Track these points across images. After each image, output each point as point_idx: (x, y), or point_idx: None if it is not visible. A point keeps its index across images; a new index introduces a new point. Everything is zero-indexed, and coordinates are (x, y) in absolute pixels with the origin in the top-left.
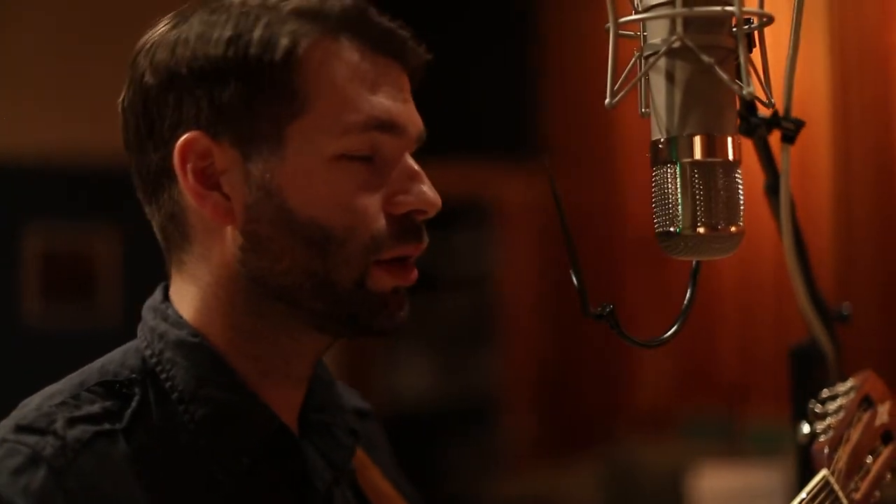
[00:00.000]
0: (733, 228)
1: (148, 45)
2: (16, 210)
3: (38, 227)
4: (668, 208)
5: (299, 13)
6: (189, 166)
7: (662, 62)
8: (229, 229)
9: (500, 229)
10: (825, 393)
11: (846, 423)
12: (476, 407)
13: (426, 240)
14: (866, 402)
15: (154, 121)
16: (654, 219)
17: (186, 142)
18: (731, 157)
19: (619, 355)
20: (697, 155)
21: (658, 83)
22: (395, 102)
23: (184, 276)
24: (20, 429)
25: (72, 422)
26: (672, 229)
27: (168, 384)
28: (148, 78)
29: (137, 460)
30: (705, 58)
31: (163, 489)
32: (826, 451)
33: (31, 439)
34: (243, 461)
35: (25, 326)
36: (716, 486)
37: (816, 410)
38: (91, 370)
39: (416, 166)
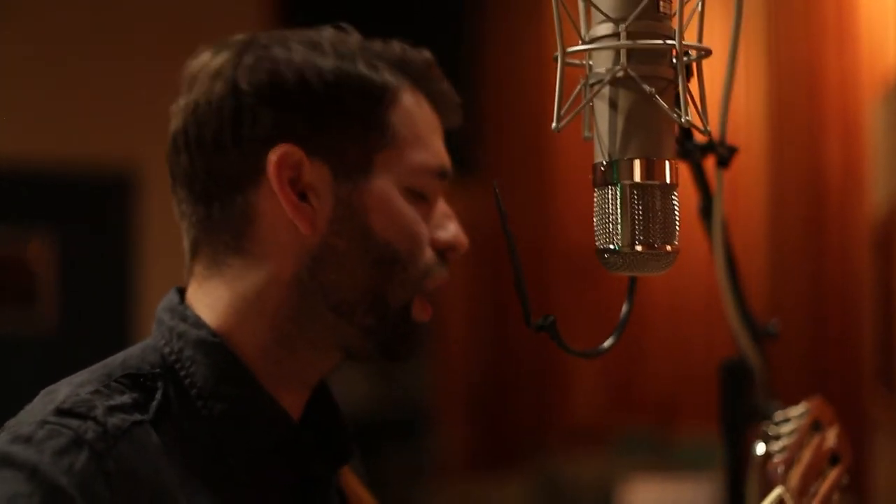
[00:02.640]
0: (669, 247)
1: (234, 61)
2: None
3: None
4: (609, 227)
5: (386, 60)
6: (283, 175)
7: (606, 90)
8: (304, 240)
9: None
10: (779, 416)
11: (799, 445)
12: (409, 418)
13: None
14: (816, 426)
15: (244, 128)
16: (595, 236)
17: (283, 153)
18: (668, 180)
19: (553, 369)
20: (637, 177)
21: (602, 110)
22: (446, 153)
23: (224, 278)
24: (61, 412)
25: (110, 410)
26: (612, 247)
27: (187, 381)
28: (244, 87)
29: (166, 450)
30: (647, 87)
31: (186, 479)
32: (780, 469)
33: (74, 423)
34: (256, 456)
35: None
36: (646, 500)
37: (770, 432)
38: (113, 364)
39: (448, 208)
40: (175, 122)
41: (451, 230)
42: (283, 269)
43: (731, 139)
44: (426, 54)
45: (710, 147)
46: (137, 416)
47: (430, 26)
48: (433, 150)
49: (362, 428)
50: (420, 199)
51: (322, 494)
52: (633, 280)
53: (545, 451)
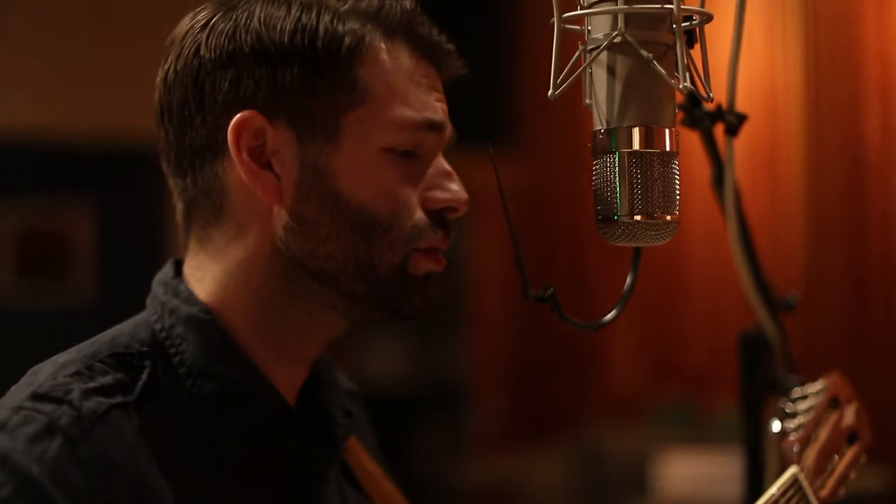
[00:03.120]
0: (669, 217)
1: (200, 24)
2: None
3: (13, 205)
4: (608, 196)
5: (359, 13)
6: (243, 143)
7: (604, 56)
8: (275, 209)
9: (473, 216)
10: (796, 392)
11: (815, 423)
12: (447, 392)
13: (451, 237)
14: (834, 404)
15: (205, 95)
16: (594, 206)
17: (242, 119)
18: (668, 148)
19: (590, 342)
20: (636, 145)
21: (600, 76)
22: (440, 105)
23: (208, 252)
24: (37, 397)
25: (87, 393)
26: (611, 216)
27: (177, 359)
28: (204, 52)
29: (147, 432)
30: (644, 53)
31: (171, 461)
32: (796, 448)
33: (48, 408)
34: (247, 437)
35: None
36: (680, 472)
37: (787, 409)
38: (102, 341)
39: (448, 166)
40: (155, 95)
41: (448, 189)
42: (263, 241)
43: (767, 106)
44: (407, 2)
45: (718, 115)
46: (118, 399)
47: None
48: (415, 104)
49: (400, 402)
50: (408, 157)
51: (318, 477)
52: (637, 252)
53: (582, 424)
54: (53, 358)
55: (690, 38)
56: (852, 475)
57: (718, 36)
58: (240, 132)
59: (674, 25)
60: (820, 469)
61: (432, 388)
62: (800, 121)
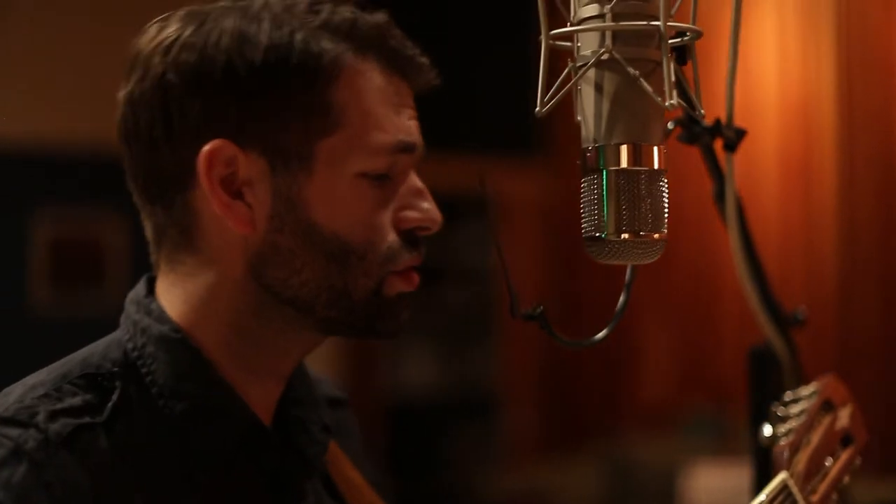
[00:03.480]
0: (657, 235)
1: (167, 43)
2: (24, 197)
3: (47, 214)
4: (595, 214)
5: (332, 28)
6: (214, 174)
7: (592, 73)
8: (248, 238)
9: (505, 224)
10: (788, 396)
11: (807, 427)
12: (478, 400)
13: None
14: (827, 406)
15: (174, 121)
16: (582, 223)
17: (213, 149)
18: (656, 165)
19: (622, 352)
20: (623, 163)
21: (588, 93)
22: (413, 124)
23: (178, 274)
24: (3, 421)
25: (53, 415)
26: (598, 234)
27: (149, 378)
28: (171, 76)
29: (117, 454)
30: (631, 70)
31: (141, 482)
32: (786, 453)
33: (14, 432)
34: (219, 456)
35: (34, 313)
36: (709, 484)
37: (779, 413)
38: (73, 361)
39: (420, 184)
40: (118, 111)
41: (420, 209)
42: (233, 268)
43: (801, 116)
44: (380, 16)
45: (716, 130)
46: (86, 420)
47: (497, 7)
48: (388, 127)
49: (432, 411)
50: (380, 179)
51: (294, 494)
52: (630, 275)
53: (613, 435)
54: (25, 379)
55: (682, 54)
56: (846, 479)
57: (749, 44)
58: (211, 163)
59: (666, 41)
60: (811, 473)
61: (464, 397)
62: (833, 131)
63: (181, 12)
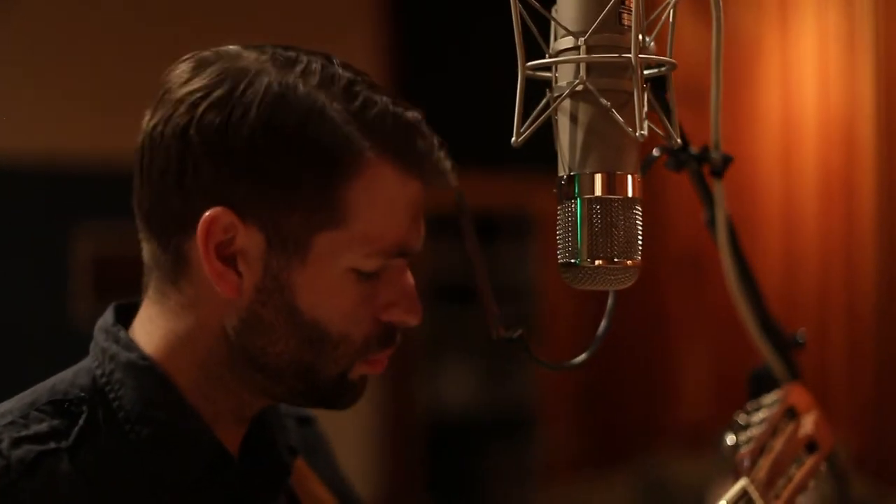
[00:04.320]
0: (629, 262)
1: (199, 96)
2: (66, 213)
3: (88, 230)
4: (570, 241)
5: (364, 120)
6: (211, 240)
7: (567, 104)
8: (233, 303)
9: (543, 240)
10: (751, 405)
11: (768, 434)
12: (516, 418)
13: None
14: (791, 414)
15: (186, 176)
16: (557, 250)
17: (214, 217)
18: (630, 194)
19: (660, 370)
20: (598, 191)
21: (563, 123)
22: (416, 227)
23: (162, 308)
24: None
25: (17, 442)
26: (572, 261)
27: (116, 403)
28: (193, 133)
29: (82, 478)
30: (603, 101)
31: None
32: (746, 461)
33: None
34: (184, 481)
35: (75, 329)
36: None
37: (740, 422)
38: (42, 389)
39: (411, 280)
40: (139, 137)
41: (405, 307)
42: (214, 320)
43: (839, 130)
44: (413, 113)
45: (703, 157)
46: (51, 445)
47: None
48: (391, 233)
49: (469, 429)
50: (370, 277)
51: None
52: (612, 301)
53: (649, 453)
54: None
55: (660, 85)
56: (810, 484)
57: (789, 61)
58: (210, 229)
59: (640, 72)
60: (773, 480)
61: (501, 415)
62: (873, 146)
63: (221, 55)
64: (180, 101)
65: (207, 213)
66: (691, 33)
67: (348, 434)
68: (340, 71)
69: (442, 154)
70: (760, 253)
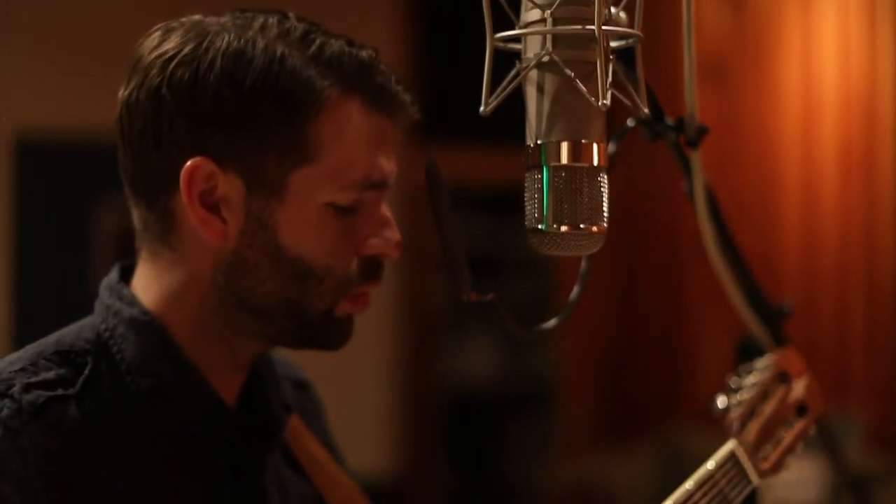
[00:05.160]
0: (595, 228)
1: (166, 57)
2: (88, 186)
3: (111, 204)
4: (536, 207)
5: (322, 61)
6: (194, 189)
7: (535, 74)
8: (218, 248)
9: None
10: (743, 369)
11: (758, 398)
12: (536, 392)
13: (382, 279)
14: (783, 378)
15: (163, 134)
16: (525, 216)
17: (195, 167)
18: (595, 162)
19: (680, 343)
20: (564, 160)
21: (531, 93)
22: (388, 160)
23: (156, 266)
24: None
25: (28, 387)
26: (539, 226)
27: (118, 356)
28: (165, 92)
29: (87, 424)
30: (567, 71)
31: (108, 452)
32: (736, 424)
33: None
34: (182, 431)
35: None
36: None
37: (732, 385)
38: (48, 341)
39: (388, 213)
40: (116, 109)
41: (384, 237)
42: (205, 271)
43: (860, 105)
44: (370, 52)
45: (679, 128)
46: (59, 392)
47: None
48: (362, 164)
49: (489, 402)
50: (346, 211)
51: (252, 467)
52: (586, 266)
53: (670, 427)
54: (6, 356)
55: (628, 57)
56: (798, 448)
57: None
58: (192, 178)
59: (611, 44)
60: (762, 442)
61: (521, 388)
62: (893, 121)
63: (185, 23)
64: (151, 65)
65: (188, 164)
66: (713, 12)
67: (370, 407)
68: (296, 23)
69: (401, 87)
70: (780, 228)
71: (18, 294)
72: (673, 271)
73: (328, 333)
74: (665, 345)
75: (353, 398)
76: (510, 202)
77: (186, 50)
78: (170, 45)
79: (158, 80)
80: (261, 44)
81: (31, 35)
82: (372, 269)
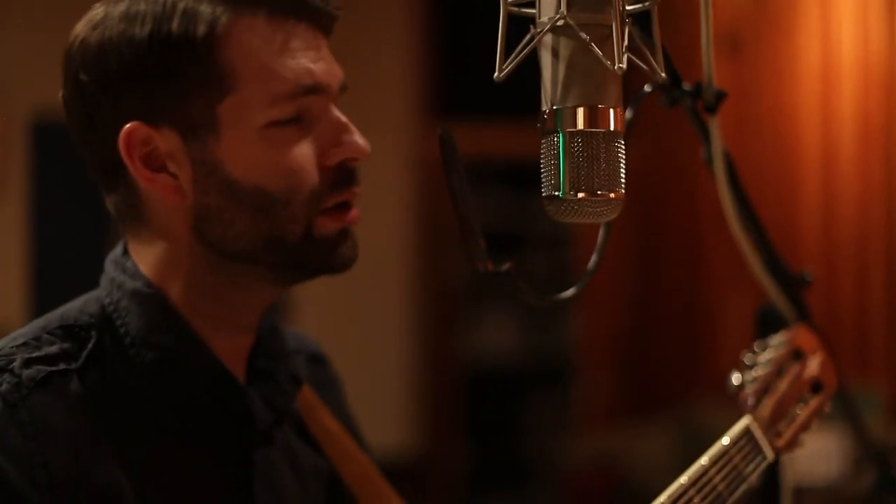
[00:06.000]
0: (612, 195)
1: (79, 41)
2: None
3: None
4: (553, 174)
5: None
6: (134, 154)
7: (550, 39)
8: (183, 205)
9: None
10: (758, 346)
11: (773, 374)
12: (556, 367)
13: (360, 181)
14: (797, 355)
15: (93, 118)
16: (541, 183)
17: (127, 133)
18: (612, 127)
19: (698, 318)
20: (580, 125)
21: (545, 58)
22: (315, 63)
23: (141, 244)
24: None
25: (28, 362)
26: (556, 193)
27: (122, 330)
28: (83, 76)
29: (91, 397)
30: (583, 34)
31: (114, 425)
32: (751, 400)
33: None
34: (187, 403)
35: None
36: None
37: (747, 361)
38: (53, 316)
39: (342, 118)
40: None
41: (343, 142)
42: (182, 233)
43: (879, 74)
44: None
45: (696, 93)
46: (61, 366)
47: None
48: (285, 74)
49: (509, 377)
50: (293, 124)
51: (260, 439)
52: (604, 234)
53: (689, 401)
54: (11, 334)
55: (643, 21)
56: (813, 425)
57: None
58: (129, 145)
59: (619, 6)
60: (777, 419)
61: (541, 363)
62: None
63: (93, 7)
64: (68, 57)
65: (121, 131)
66: None
67: (390, 382)
68: None
69: None
70: (800, 200)
71: (36, 274)
72: (693, 243)
73: (319, 254)
74: (684, 321)
75: (372, 375)
76: (529, 177)
77: (87, 29)
78: (76, 31)
79: (75, 69)
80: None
81: (47, 14)
82: (342, 177)
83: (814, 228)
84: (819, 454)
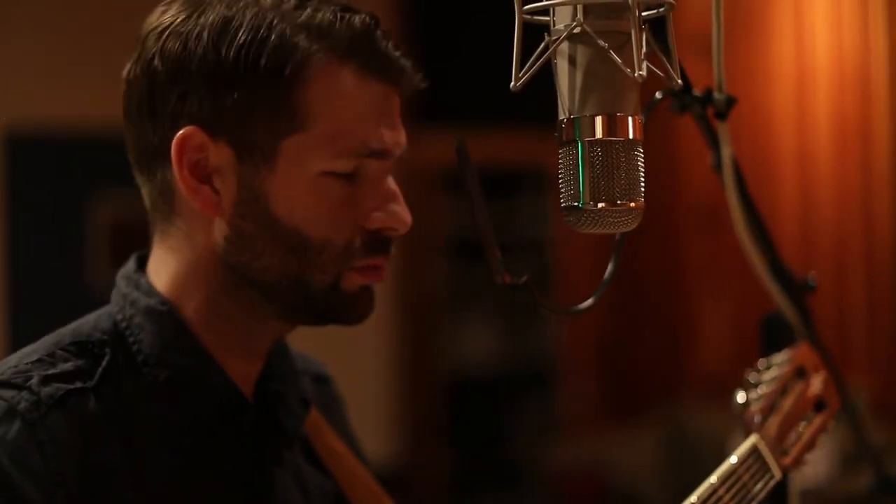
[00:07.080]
0: (633, 204)
1: (160, 29)
2: (83, 179)
3: (106, 197)
4: (572, 184)
5: (312, 28)
6: (185, 159)
7: (566, 47)
8: (216, 220)
9: (560, 195)
10: (761, 364)
11: (778, 393)
12: (539, 371)
13: (392, 252)
14: (800, 373)
15: (157, 105)
16: (560, 194)
17: (185, 136)
18: (631, 135)
19: (681, 321)
20: (598, 134)
21: (562, 66)
22: (388, 130)
23: (166, 247)
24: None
25: (46, 379)
26: (575, 204)
27: (135, 347)
28: (157, 63)
29: (105, 416)
30: (601, 42)
31: (127, 443)
32: (757, 418)
33: (9, 394)
34: (200, 422)
35: (92, 296)
36: None
37: (751, 380)
38: (66, 331)
39: (394, 187)
40: (122, 88)
41: (389, 211)
42: (207, 245)
43: (854, 77)
44: (364, 18)
45: (707, 99)
46: (77, 384)
47: None
48: (357, 132)
49: (492, 382)
50: (346, 179)
51: (273, 460)
52: (619, 239)
53: (672, 404)
54: (23, 349)
55: (659, 26)
56: (818, 443)
57: (801, 9)
58: (182, 148)
59: (639, 14)
60: (783, 437)
61: (523, 368)
62: (889, 93)
63: (180, 0)
64: (147, 38)
65: (178, 134)
66: None
67: (371, 389)
68: None
69: (400, 53)
70: (777, 200)
71: (12, 288)
72: (673, 248)
73: (339, 307)
74: (666, 322)
75: (353, 382)
76: (508, 184)
77: (178, 21)
78: (165, 17)
79: (152, 52)
80: (250, 12)
81: (23, 30)
82: (378, 243)
83: (791, 229)
84: (812, 455)
